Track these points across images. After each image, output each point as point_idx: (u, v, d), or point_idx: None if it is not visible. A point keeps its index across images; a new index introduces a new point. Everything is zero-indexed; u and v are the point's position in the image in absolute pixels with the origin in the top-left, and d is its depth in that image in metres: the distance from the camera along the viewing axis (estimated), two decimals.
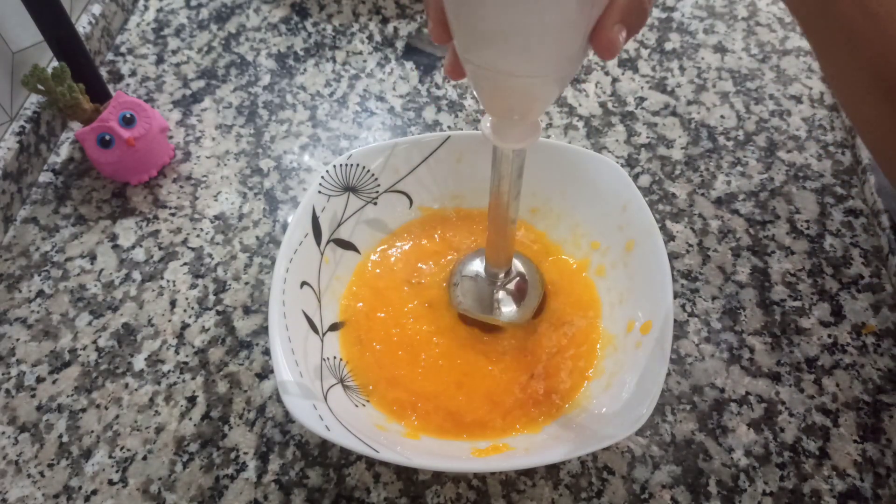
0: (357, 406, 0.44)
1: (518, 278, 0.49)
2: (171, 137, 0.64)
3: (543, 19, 0.28)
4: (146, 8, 0.76)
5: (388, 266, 0.52)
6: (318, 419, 0.39)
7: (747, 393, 0.47)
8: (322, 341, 0.46)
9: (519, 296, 0.48)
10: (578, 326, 0.48)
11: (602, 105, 0.65)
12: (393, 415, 0.45)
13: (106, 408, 0.48)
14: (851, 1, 0.35)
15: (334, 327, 0.48)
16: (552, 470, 0.44)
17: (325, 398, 0.42)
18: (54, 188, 0.61)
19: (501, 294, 0.48)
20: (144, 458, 0.46)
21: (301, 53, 0.71)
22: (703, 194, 0.58)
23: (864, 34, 0.35)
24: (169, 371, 0.50)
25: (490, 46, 0.30)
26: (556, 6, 0.28)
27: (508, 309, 0.48)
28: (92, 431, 0.47)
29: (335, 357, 0.46)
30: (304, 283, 0.47)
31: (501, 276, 0.48)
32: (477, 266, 0.49)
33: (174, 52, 0.72)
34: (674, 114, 0.64)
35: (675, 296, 0.52)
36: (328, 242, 0.49)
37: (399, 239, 0.53)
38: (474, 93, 0.36)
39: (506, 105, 0.35)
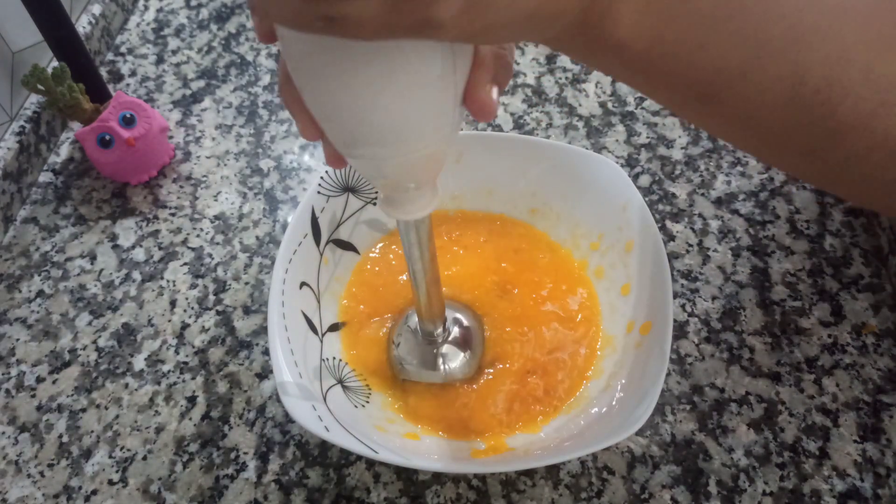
0: (356, 406, 0.44)
1: (458, 330, 0.47)
2: (171, 137, 0.64)
3: (410, 102, 0.26)
4: (146, 8, 0.76)
5: (388, 266, 0.52)
6: (317, 420, 0.39)
7: (747, 393, 0.47)
8: (321, 342, 0.46)
9: (463, 346, 0.46)
10: (582, 326, 0.48)
11: (602, 105, 0.65)
12: (392, 415, 0.45)
13: (106, 408, 0.48)
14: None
15: (334, 328, 0.48)
16: (552, 470, 0.44)
17: (325, 399, 0.42)
18: (54, 188, 0.61)
19: (446, 348, 0.46)
20: (144, 458, 0.46)
21: None
22: (703, 194, 0.58)
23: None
24: (169, 371, 0.50)
25: (366, 143, 0.28)
26: (420, 84, 0.25)
27: (454, 364, 0.46)
28: (92, 431, 0.47)
29: (334, 358, 0.46)
30: (303, 284, 0.47)
31: (438, 332, 0.45)
32: (414, 321, 0.47)
33: (174, 52, 0.72)
34: (674, 114, 0.64)
35: (675, 296, 0.52)
36: (327, 243, 0.49)
37: (399, 239, 0.53)
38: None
39: (396, 182, 0.32)
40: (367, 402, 0.45)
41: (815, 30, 0.26)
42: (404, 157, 0.29)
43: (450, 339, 0.46)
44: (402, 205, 0.33)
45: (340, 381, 0.45)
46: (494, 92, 0.28)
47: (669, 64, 0.27)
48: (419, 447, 0.42)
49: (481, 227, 0.54)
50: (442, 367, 0.46)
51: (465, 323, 0.48)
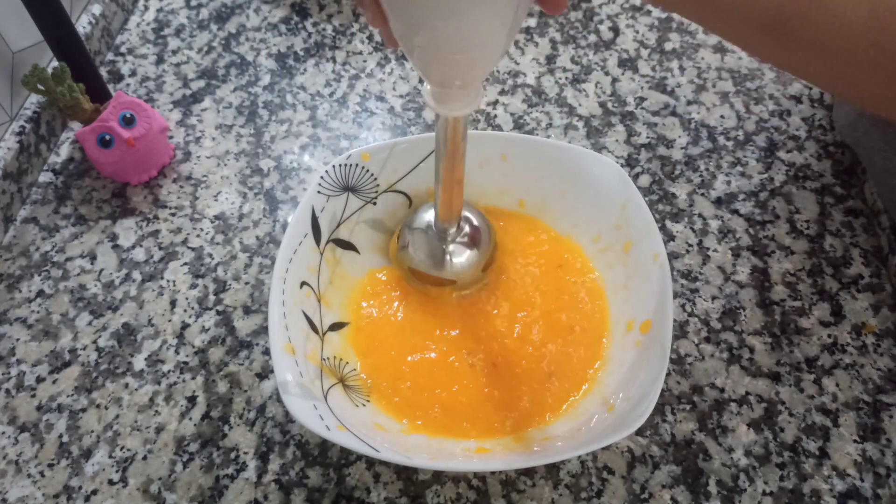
0: (357, 406, 0.44)
1: (469, 229, 0.49)
2: (171, 137, 0.64)
3: None
4: (146, 8, 0.76)
5: (388, 273, 0.52)
6: (318, 419, 0.39)
7: (747, 393, 0.47)
8: (322, 341, 0.46)
9: (471, 244, 0.49)
10: (582, 326, 0.48)
11: (602, 105, 0.65)
12: (394, 414, 0.45)
13: (106, 408, 0.48)
14: None
15: (334, 327, 0.48)
16: (552, 470, 0.44)
17: (326, 398, 0.42)
18: (54, 188, 0.61)
19: (452, 247, 0.49)
20: (144, 458, 0.46)
21: (301, 53, 0.71)
22: (703, 194, 0.58)
23: None
24: (169, 371, 0.50)
25: (428, 30, 0.30)
26: None
27: (460, 260, 0.49)
28: (92, 431, 0.47)
29: (335, 357, 0.46)
30: (303, 283, 0.47)
31: (452, 231, 0.48)
32: (429, 217, 0.49)
33: (174, 52, 0.72)
34: (674, 114, 0.64)
35: (675, 296, 0.52)
36: (328, 242, 0.49)
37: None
38: (410, 61, 0.36)
39: (446, 76, 0.34)
40: (368, 401, 0.45)
41: None
42: (462, 53, 0.31)
43: (460, 237, 0.49)
44: (447, 101, 0.36)
45: (341, 381, 0.45)
46: None
47: None
48: (419, 446, 0.42)
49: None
50: (449, 264, 0.48)
51: (475, 222, 0.50)
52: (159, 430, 0.47)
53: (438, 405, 0.45)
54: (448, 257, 0.49)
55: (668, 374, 0.48)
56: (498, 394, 0.45)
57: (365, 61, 0.70)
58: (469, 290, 0.50)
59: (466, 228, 0.49)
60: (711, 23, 0.32)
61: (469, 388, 0.46)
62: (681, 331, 0.50)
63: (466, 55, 0.31)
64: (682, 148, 0.62)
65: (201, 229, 0.58)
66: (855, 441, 0.45)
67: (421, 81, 0.66)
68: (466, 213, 0.49)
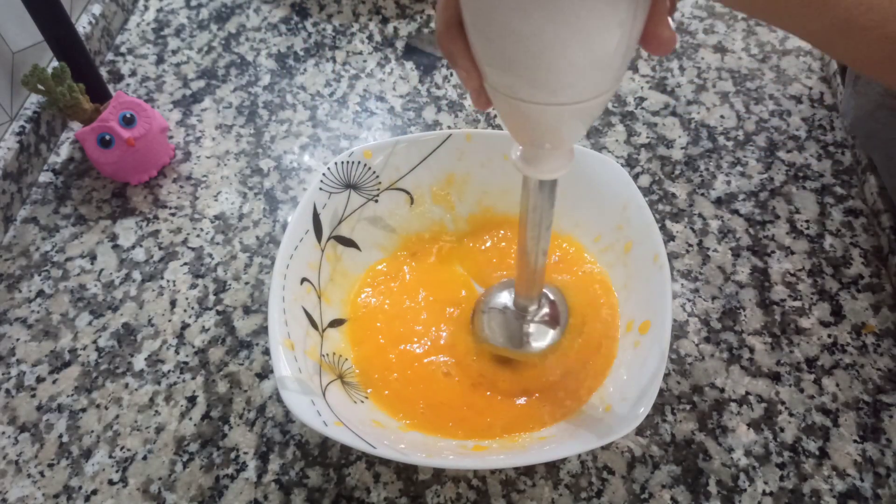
0: (356, 402, 0.44)
1: (548, 308, 0.46)
2: (171, 137, 0.64)
3: (588, 46, 0.25)
4: (146, 8, 0.76)
5: (389, 264, 0.52)
6: (316, 415, 0.39)
7: (747, 393, 0.47)
8: (322, 337, 0.46)
9: (552, 323, 0.46)
10: (594, 328, 0.48)
11: None
12: (392, 412, 0.44)
13: (106, 408, 0.48)
14: None
15: (334, 324, 0.48)
16: (552, 470, 0.44)
17: (324, 394, 0.42)
18: (54, 188, 0.61)
19: (532, 328, 0.46)
20: (144, 458, 0.46)
21: (301, 53, 0.71)
22: (703, 194, 0.58)
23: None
24: (169, 371, 0.50)
25: (518, 74, 0.27)
26: (602, 28, 0.24)
27: (539, 343, 0.45)
28: (92, 431, 0.47)
29: (335, 353, 0.46)
30: (304, 280, 0.47)
31: (532, 308, 0.45)
32: (505, 298, 0.46)
33: (174, 52, 0.72)
34: (674, 114, 0.64)
35: (675, 296, 0.52)
36: (329, 239, 0.49)
37: (400, 236, 0.53)
38: (502, 123, 0.34)
39: (538, 135, 0.32)
40: (367, 398, 0.45)
41: None
42: (557, 104, 0.28)
43: (539, 316, 0.45)
44: (537, 163, 0.33)
45: (340, 377, 0.45)
46: (672, 23, 0.26)
47: None
48: (418, 444, 0.42)
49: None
50: (530, 346, 0.45)
51: (552, 297, 0.46)
52: (159, 430, 0.47)
53: (437, 404, 0.45)
54: (528, 339, 0.45)
55: (667, 374, 0.48)
56: (497, 392, 0.45)
57: (365, 61, 0.70)
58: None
59: (546, 306, 0.45)
60: (840, 47, 0.30)
61: (468, 387, 0.46)
62: (681, 331, 0.50)
63: (561, 107, 0.28)
64: (682, 148, 0.62)
65: (201, 229, 0.58)
66: (855, 441, 0.45)
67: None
68: (544, 290, 0.46)
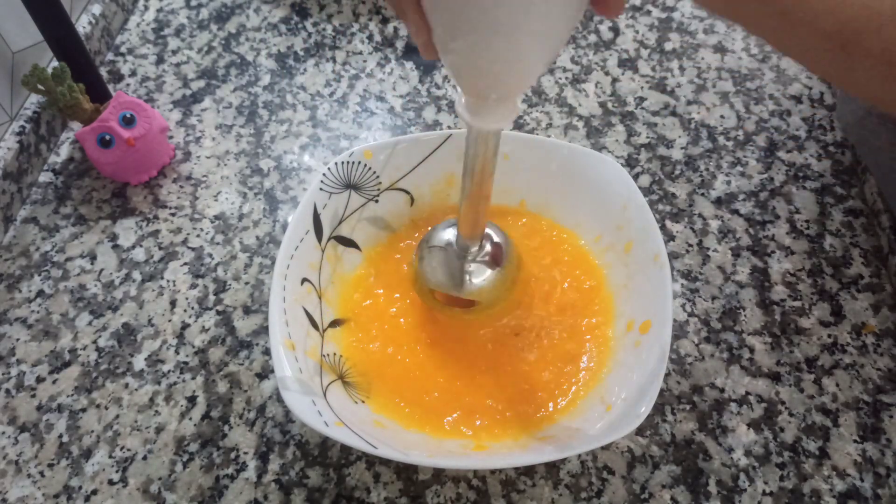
0: (356, 402, 0.44)
1: (490, 248, 0.46)
2: (171, 137, 0.64)
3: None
4: (146, 8, 0.76)
5: (390, 263, 0.52)
6: (317, 415, 0.39)
7: (747, 393, 0.47)
8: (322, 338, 0.46)
9: (493, 262, 0.46)
10: (589, 324, 0.48)
11: (602, 105, 0.65)
12: (392, 412, 0.44)
13: (106, 408, 0.48)
14: None
15: (335, 324, 0.48)
16: (552, 470, 0.44)
17: (325, 394, 0.42)
18: (54, 188, 0.61)
19: (473, 266, 0.46)
20: (144, 458, 0.46)
21: (301, 53, 0.71)
22: (703, 194, 0.58)
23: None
24: (169, 371, 0.50)
25: (475, 31, 0.29)
26: None
27: (480, 279, 0.46)
28: (92, 431, 0.47)
29: (335, 353, 0.46)
30: (304, 280, 0.47)
31: (474, 249, 0.45)
32: (449, 235, 0.47)
33: (174, 52, 0.72)
34: (674, 114, 0.64)
35: (675, 296, 0.52)
36: (329, 239, 0.49)
37: (400, 237, 0.53)
38: (447, 71, 0.35)
39: (483, 86, 0.33)
40: (367, 397, 0.45)
41: None
42: (503, 61, 0.29)
43: (480, 256, 0.46)
44: (482, 114, 0.34)
45: (341, 377, 0.45)
46: None
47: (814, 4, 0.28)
48: (418, 444, 0.42)
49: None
50: (469, 284, 0.46)
51: (496, 239, 0.47)
52: (159, 430, 0.47)
53: (437, 403, 0.45)
54: (468, 277, 0.45)
55: (668, 374, 0.48)
56: (499, 393, 0.45)
57: (365, 61, 0.70)
58: (493, 310, 0.47)
59: (488, 247, 0.46)
60: (779, 37, 0.32)
61: (468, 387, 0.46)
62: (681, 331, 0.50)
63: (506, 63, 0.30)
64: (682, 148, 0.62)
65: (201, 229, 0.58)
66: (855, 441, 0.45)
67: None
68: (488, 231, 0.46)
